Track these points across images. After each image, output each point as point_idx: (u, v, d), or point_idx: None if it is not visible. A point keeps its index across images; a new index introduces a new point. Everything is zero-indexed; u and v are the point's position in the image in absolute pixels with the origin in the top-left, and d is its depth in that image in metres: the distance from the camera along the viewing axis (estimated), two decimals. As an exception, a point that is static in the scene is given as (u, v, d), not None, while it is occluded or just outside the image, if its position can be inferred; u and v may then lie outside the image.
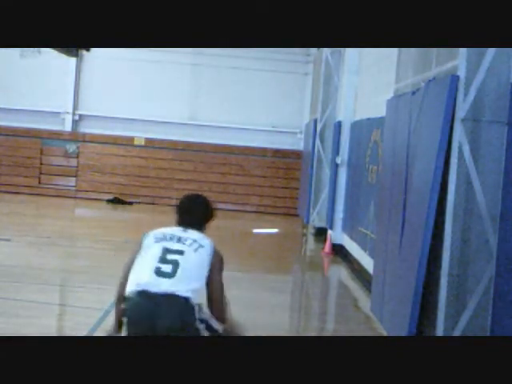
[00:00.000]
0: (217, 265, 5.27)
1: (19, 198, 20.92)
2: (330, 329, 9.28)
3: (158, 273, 4.98)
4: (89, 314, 8.29)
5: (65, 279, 10.79)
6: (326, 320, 9.85)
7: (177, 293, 4.93)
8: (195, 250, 5.14)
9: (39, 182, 22.08)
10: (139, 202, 21.83)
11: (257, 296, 10.51)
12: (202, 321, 5.02)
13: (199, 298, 5.04)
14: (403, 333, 6.58)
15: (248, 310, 9.41)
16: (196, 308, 4.99)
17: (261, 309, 9.55)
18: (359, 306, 10.29)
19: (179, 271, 5.00)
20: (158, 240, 5.16)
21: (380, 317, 8.02)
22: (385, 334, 7.81)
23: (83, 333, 7.39)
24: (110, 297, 9.09)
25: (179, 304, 4.93)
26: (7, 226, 15.08)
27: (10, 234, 13.61)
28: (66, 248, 13.33)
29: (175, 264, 5.02)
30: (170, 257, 5.05)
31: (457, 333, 6.10)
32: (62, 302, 9.51)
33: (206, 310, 5.09)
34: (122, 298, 5.11)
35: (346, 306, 10.52)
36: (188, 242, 5.14)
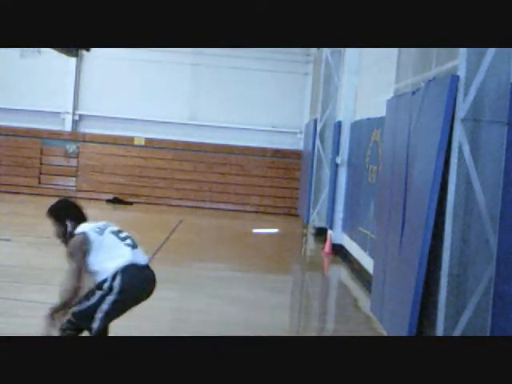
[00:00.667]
0: None
1: (19, 198, 20.92)
2: (330, 329, 9.28)
3: (130, 246, 5.94)
4: (89, 314, 8.28)
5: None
6: (326, 320, 9.85)
7: (147, 262, 6.04)
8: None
9: (39, 182, 22.08)
10: (140, 202, 21.86)
11: (257, 296, 10.50)
12: None
13: None
14: (403, 333, 6.58)
15: (248, 310, 9.41)
16: None
17: (261, 309, 9.55)
18: (359, 306, 10.29)
19: (135, 241, 6.04)
20: (101, 231, 5.97)
21: (380, 317, 8.02)
22: (385, 334, 7.81)
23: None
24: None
25: (150, 269, 6.03)
26: (7, 226, 15.07)
27: (10, 234, 13.61)
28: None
29: (130, 238, 6.03)
30: (121, 235, 6.00)
31: (457, 333, 6.09)
32: (61, 302, 9.50)
33: None
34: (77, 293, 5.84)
35: (346, 306, 10.52)
36: (111, 225, 6.14)
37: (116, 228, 6.06)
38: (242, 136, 22.29)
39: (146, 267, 5.95)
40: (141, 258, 5.94)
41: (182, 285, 10.61)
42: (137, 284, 5.84)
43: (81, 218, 6.10)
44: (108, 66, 22.29)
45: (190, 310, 8.94)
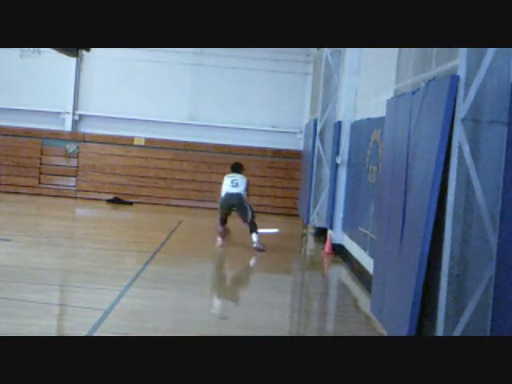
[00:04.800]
0: (248, 183, 14.72)
1: (19, 198, 20.92)
2: (330, 329, 9.28)
3: (232, 187, 14.39)
4: (89, 314, 8.29)
5: (65, 279, 10.79)
6: (326, 320, 9.84)
7: (238, 192, 14.36)
8: (242, 178, 14.60)
9: (39, 182, 22.08)
10: (140, 202, 21.85)
11: (257, 296, 10.51)
12: (245, 202, 14.39)
13: (244, 194, 14.47)
14: (403, 333, 6.58)
15: (248, 310, 9.41)
16: (243, 198, 14.38)
17: (261, 309, 9.56)
18: (359, 306, 10.29)
19: (238, 184, 14.43)
20: (228, 177, 14.57)
21: (380, 317, 8.02)
22: (385, 334, 7.81)
23: (83, 333, 7.39)
24: (110, 297, 9.10)
25: (239, 196, 14.38)
26: (7, 226, 15.08)
27: (10, 234, 13.62)
28: (66, 248, 13.33)
29: (236, 183, 14.42)
30: (234, 182, 14.41)
31: (457, 333, 6.09)
32: (62, 302, 9.51)
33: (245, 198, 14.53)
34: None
35: (346, 306, 10.51)
36: (238, 177, 14.61)
37: (233, 178, 14.47)
38: (242, 136, 22.29)
39: (231, 194, 14.26)
40: (231, 190, 14.27)
41: (181, 285, 10.61)
42: (223, 202, 14.41)
43: (232, 169, 14.84)
44: (108, 66, 22.29)
45: (189, 309, 8.94)
